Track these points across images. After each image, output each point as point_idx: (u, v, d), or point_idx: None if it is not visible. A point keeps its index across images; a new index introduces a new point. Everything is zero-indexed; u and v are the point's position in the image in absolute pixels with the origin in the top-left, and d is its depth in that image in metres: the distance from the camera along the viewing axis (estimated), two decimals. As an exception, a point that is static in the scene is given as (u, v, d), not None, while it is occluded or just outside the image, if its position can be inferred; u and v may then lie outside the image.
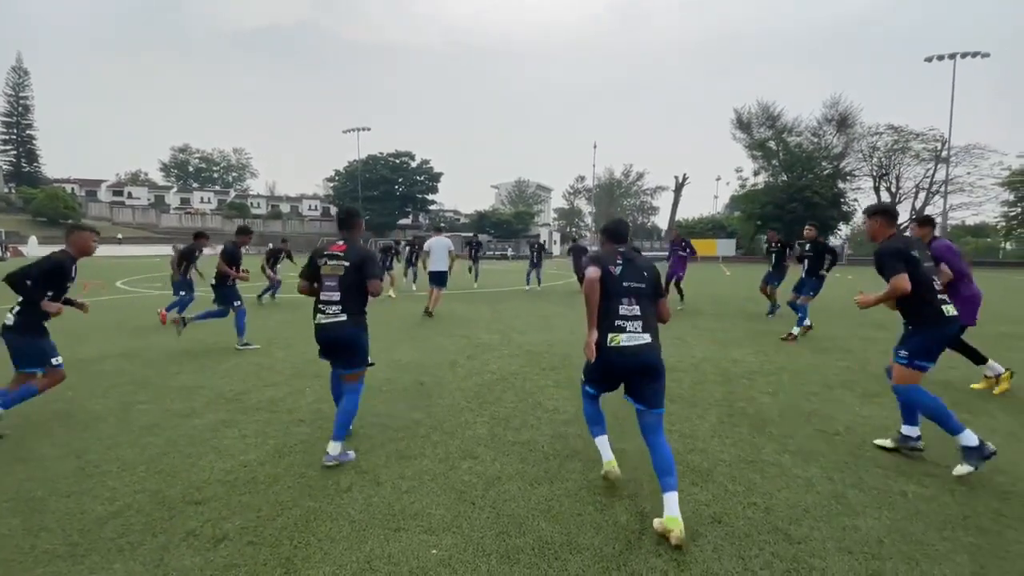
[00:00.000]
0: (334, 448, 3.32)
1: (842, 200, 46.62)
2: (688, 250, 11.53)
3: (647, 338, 2.81)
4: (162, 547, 2.43)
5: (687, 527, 2.53)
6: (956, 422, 3.17)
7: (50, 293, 3.79)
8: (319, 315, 3.42)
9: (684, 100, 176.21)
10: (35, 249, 41.41)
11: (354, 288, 3.42)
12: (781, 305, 9.88)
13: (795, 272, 9.16)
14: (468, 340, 7.48)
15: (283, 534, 2.54)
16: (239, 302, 6.99)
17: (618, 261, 2.92)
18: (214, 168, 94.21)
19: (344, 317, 3.37)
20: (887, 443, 3.64)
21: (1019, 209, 43.87)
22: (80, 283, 16.07)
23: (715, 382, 5.37)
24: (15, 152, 67.87)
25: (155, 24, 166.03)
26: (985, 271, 31.27)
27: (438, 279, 10.30)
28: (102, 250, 46.16)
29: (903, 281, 3.21)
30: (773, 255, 10.25)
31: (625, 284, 2.86)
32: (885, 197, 49.29)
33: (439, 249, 10.48)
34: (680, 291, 11.56)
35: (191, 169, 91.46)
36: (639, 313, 2.83)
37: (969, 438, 3.14)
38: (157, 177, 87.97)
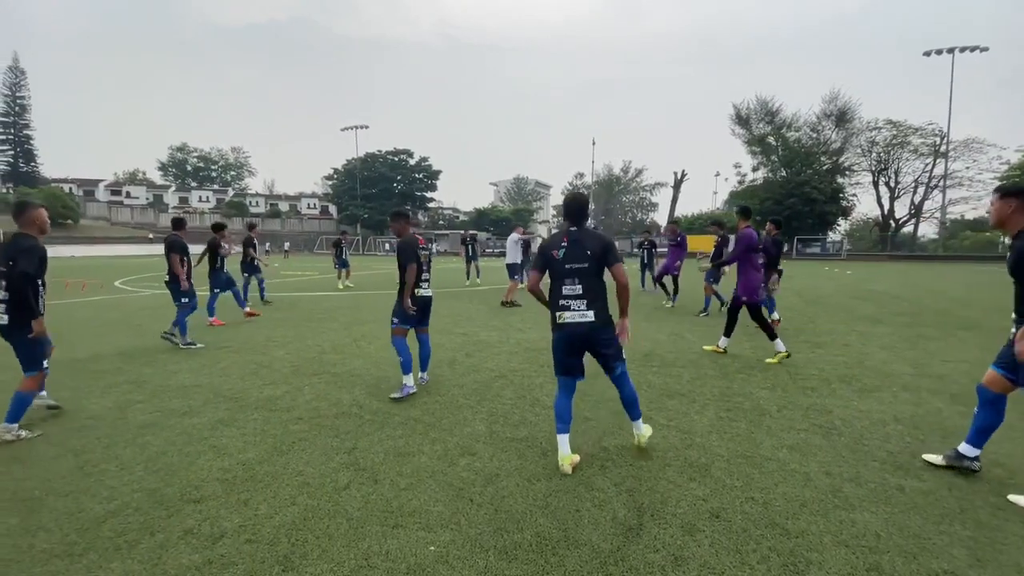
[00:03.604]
0: (409, 380, 4.68)
1: (841, 195, 46.57)
2: (680, 241, 11.44)
3: (590, 316, 3.14)
4: (160, 546, 2.43)
5: (685, 522, 2.63)
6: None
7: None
8: (419, 288, 4.70)
9: (684, 96, 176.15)
10: (33, 249, 41.25)
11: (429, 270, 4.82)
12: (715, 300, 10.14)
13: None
14: (467, 338, 7.48)
15: (281, 532, 2.54)
16: (187, 298, 6.88)
17: (563, 244, 3.21)
18: (212, 167, 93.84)
19: (430, 292, 4.87)
20: (937, 460, 3.32)
21: (1018, 203, 43.84)
22: (77, 282, 16.10)
23: (713, 377, 5.37)
24: (12, 152, 67.67)
25: (150, 22, 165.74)
26: (984, 265, 31.29)
27: (507, 270, 12.16)
28: (105, 249, 46.13)
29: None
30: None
31: (567, 266, 3.17)
32: (884, 192, 49.37)
33: (507, 245, 12.41)
34: (674, 286, 11.18)
35: (189, 168, 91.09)
36: (580, 293, 3.14)
37: None
38: (155, 176, 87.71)
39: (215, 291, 8.94)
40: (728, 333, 6.44)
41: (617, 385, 3.39)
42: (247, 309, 9.31)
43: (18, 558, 2.34)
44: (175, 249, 6.75)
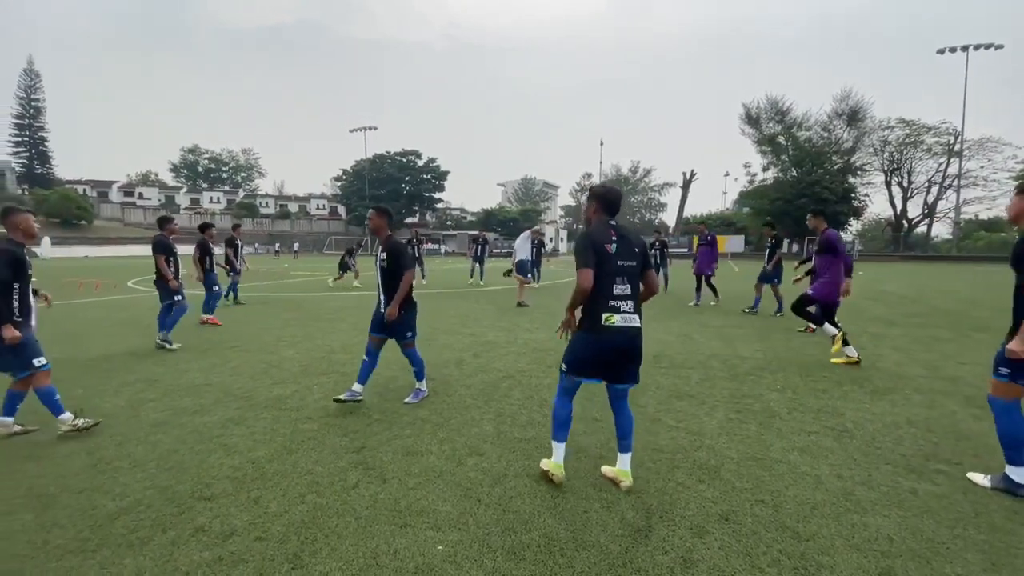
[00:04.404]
0: (423, 385, 4.68)
1: (852, 195, 46.07)
2: (711, 240, 11.61)
3: (637, 321, 2.84)
4: (171, 542, 2.46)
5: (694, 524, 2.61)
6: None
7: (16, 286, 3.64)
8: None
9: (692, 96, 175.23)
10: (48, 250, 41.99)
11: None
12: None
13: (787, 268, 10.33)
14: (474, 338, 7.48)
15: (290, 530, 2.56)
16: (180, 296, 6.83)
17: (612, 238, 2.85)
18: (223, 168, 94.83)
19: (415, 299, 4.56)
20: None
21: (1034, 203, 43.19)
22: (91, 282, 16.30)
23: (723, 378, 5.33)
24: (28, 154, 68.79)
25: (162, 25, 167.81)
26: (999, 266, 30.82)
27: (516, 268, 11.74)
28: (119, 250, 46.78)
29: None
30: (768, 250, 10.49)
31: (620, 263, 2.82)
32: (897, 192, 48.80)
33: (516, 242, 12.08)
34: (697, 285, 11.56)
35: (200, 169, 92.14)
36: (630, 293, 2.84)
37: None
38: (167, 178, 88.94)
39: (223, 283, 9.02)
40: (837, 328, 6.14)
41: (618, 404, 3.02)
42: (208, 317, 8.74)
43: (33, 554, 2.38)
44: (160, 249, 6.71)
